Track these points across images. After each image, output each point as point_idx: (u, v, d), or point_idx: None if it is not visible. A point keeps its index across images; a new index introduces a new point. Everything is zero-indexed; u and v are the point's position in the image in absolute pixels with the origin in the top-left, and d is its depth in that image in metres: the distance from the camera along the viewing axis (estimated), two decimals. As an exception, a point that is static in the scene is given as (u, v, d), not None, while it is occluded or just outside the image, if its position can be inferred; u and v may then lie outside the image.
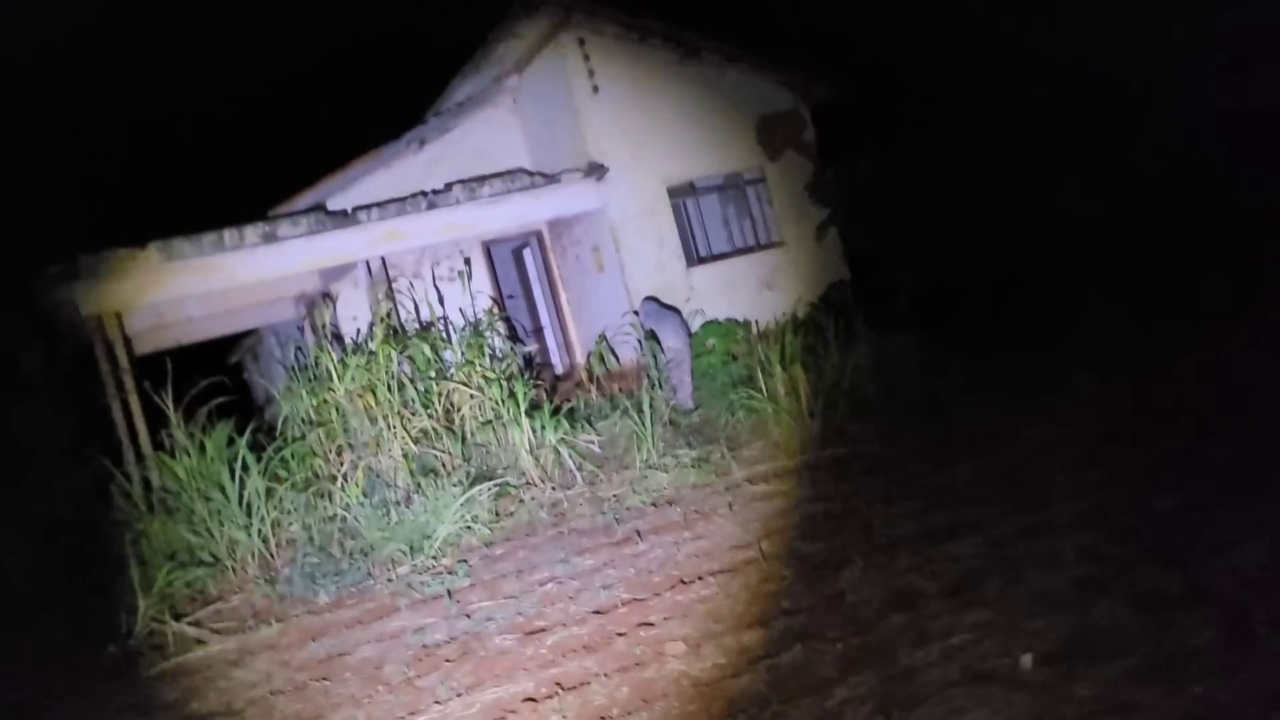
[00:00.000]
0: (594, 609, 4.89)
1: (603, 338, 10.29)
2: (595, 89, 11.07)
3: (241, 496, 6.41)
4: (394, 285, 10.61)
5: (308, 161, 12.32)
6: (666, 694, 3.86)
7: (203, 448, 6.68)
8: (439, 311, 10.24)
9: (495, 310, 10.56)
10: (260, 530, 6.40)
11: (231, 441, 6.65)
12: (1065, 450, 6.05)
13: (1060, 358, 8.33)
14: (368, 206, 10.25)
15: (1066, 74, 10.45)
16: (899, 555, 4.88)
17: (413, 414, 7.40)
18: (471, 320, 9.33)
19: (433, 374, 7.94)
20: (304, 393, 7.46)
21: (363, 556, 6.19)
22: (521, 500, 6.93)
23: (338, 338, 9.45)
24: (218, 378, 7.23)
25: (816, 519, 5.67)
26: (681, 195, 11.63)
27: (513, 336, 10.30)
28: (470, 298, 10.31)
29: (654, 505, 6.49)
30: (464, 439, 7.45)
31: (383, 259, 10.45)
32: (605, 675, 4.12)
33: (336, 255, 9.89)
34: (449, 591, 5.49)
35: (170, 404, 6.91)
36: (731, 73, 11.91)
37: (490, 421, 7.60)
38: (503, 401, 7.61)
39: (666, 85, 11.53)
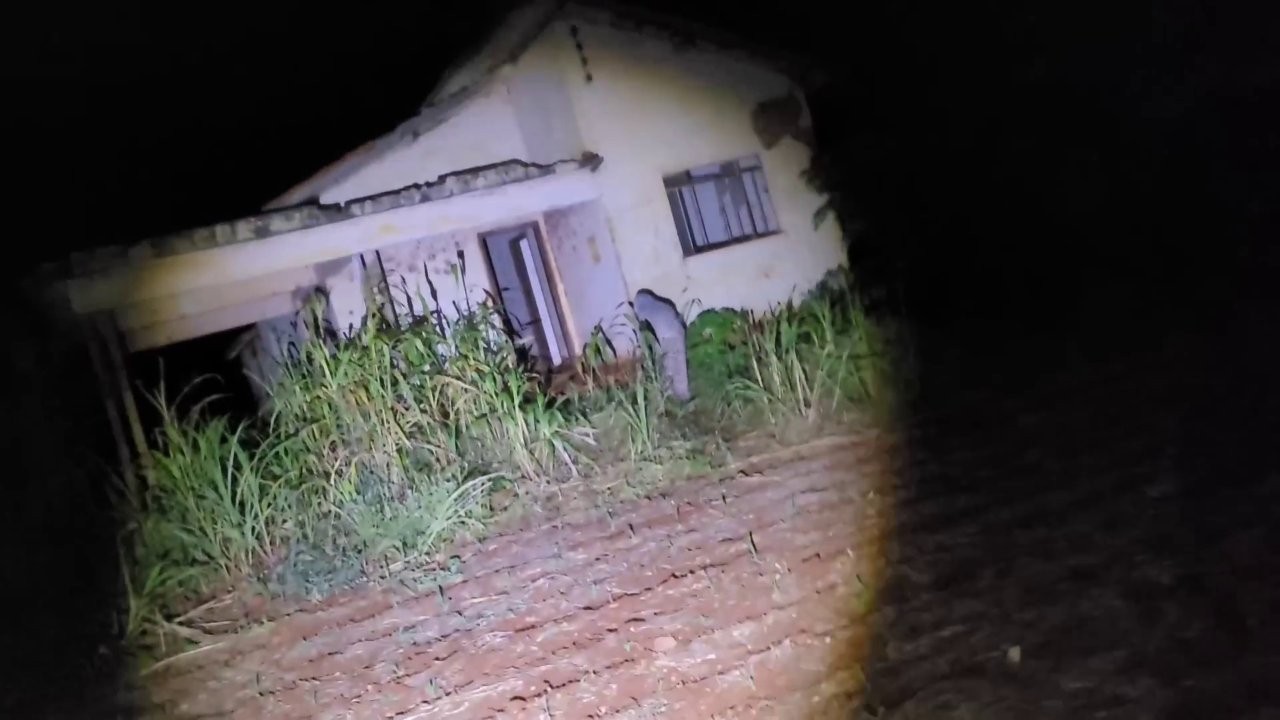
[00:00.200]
0: (585, 604, 4.87)
1: (598, 329, 10.24)
2: (589, 78, 10.98)
3: (235, 494, 6.40)
4: (388, 279, 10.56)
5: (301, 155, 12.24)
6: (654, 691, 3.84)
7: (196, 445, 6.66)
8: (433, 305, 10.19)
9: (489, 303, 10.51)
10: (254, 528, 6.39)
11: (225, 439, 6.64)
12: (1060, 437, 6.03)
13: (1057, 344, 8.29)
14: (361, 200, 10.18)
15: (1064, 58, 10.34)
16: (891, 546, 4.86)
17: (406, 409, 7.38)
18: (465, 314, 9.28)
19: (427, 368, 7.91)
20: (297, 388, 7.45)
21: (356, 553, 6.16)
22: (516, 494, 6.91)
23: (332, 333, 9.41)
24: (212, 374, 7.20)
25: (810, 510, 5.65)
26: (677, 184, 11.54)
27: (508, 329, 10.26)
28: (464, 291, 10.26)
29: (648, 498, 6.47)
30: (458, 433, 7.41)
31: (377, 253, 10.41)
32: (594, 672, 4.10)
33: (330, 250, 9.83)
34: (441, 588, 5.47)
35: (164, 401, 6.89)
36: (726, 60, 11.78)
37: (485, 415, 7.56)
38: (497, 395, 7.58)
39: (661, 73, 11.42)
